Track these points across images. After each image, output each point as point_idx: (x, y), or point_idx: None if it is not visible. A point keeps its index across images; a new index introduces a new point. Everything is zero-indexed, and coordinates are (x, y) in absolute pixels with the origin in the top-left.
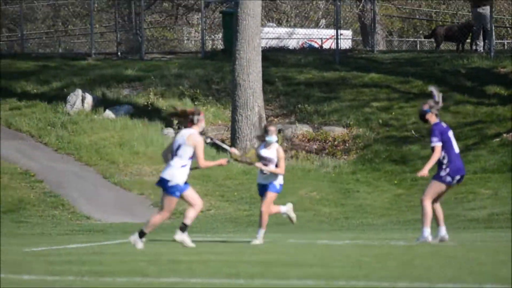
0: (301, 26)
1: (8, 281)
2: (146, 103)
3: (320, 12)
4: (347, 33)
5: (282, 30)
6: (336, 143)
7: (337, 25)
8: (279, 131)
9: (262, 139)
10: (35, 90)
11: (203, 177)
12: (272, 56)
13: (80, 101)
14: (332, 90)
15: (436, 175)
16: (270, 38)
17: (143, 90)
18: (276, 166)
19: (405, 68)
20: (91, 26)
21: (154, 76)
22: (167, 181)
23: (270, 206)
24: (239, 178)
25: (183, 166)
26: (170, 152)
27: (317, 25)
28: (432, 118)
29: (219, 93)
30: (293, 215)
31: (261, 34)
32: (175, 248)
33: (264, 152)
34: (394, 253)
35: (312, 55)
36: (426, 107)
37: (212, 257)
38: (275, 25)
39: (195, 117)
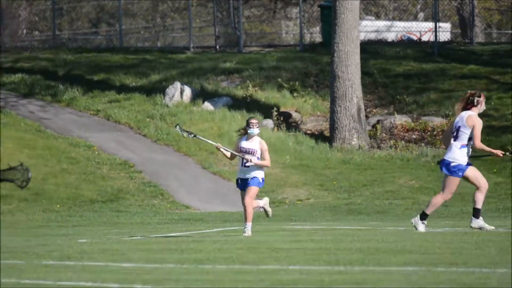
0: (400, 19)
1: (108, 269)
2: (244, 95)
3: (419, 5)
4: (445, 26)
5: (381, 23)
6: (435, 132)
7: (435, 18)
8: (378, 122)
9: (245, 132)
10: (133, 83)
11: (302, 167)
12: (371, 49)
13: (178, 93)
14: (430, 81)
15: None
16: (368, 31)
17: (242, 83)
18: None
19: (504, 59)
20: (189, 21)
21: (252, 69)
22: (449, 162)
23: (253, 199)
24: (338, 168)
25: (462, 147)
26: (450, 136)
27: (415, 18)
28: None
29: (318, 85)
30: (269, 209)
31: (359, 27)
32: (274, 236)
33: (245, 144)
34: (493, 240)
35: (411, 47)
36: None
37: (311, 244)
38: (373, 18)
39: (475, 99)
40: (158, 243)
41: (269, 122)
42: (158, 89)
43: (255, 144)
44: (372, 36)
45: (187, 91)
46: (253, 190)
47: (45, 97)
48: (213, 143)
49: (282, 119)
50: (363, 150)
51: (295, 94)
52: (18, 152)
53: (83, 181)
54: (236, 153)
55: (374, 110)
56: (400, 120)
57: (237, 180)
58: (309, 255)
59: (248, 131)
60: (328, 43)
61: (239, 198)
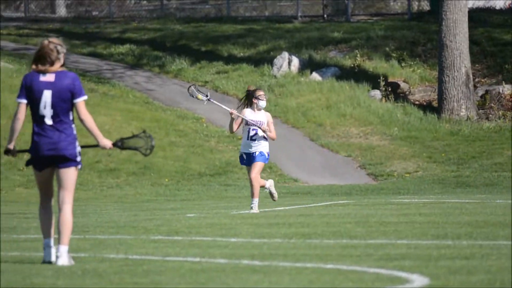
0: None
1: (216, 244)
2: (352, 65)
3: None
4: None
5: None
6: None
7: None
8: (486, 92)
9: (250, 104)
10: (241, 54)
11: (410, 138)
12: (479, 17)
13: (286, 63)
14: None
15: None
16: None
17: (350, 52)
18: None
19: None
20: None
21: (360, 38)
22: None
23: (259, 174)
24: (446, 139)
25: None
26: None
27: None
28: None
29: (426, 54)
30: (274, 192)
31: None
32: (383, 209)
33: (251, 116)
34: None
35: None
36: None
37: (419, 218)
38: None
39: None
40: (266, 217)
41: (377, 93)
42: (266, 59)
43: (261, 116)
44: (480, 4)
45: (295, 61)
46: (259, 165)
47: (153, 68)
48: (227, 109)
49: (390, 89)
50: (472, 121)
51: (403, 64)
52: (126, 124)
53: (191, 154)
54: (251, 122)
55: (482, 80)
56: (509, 89)
57: (241, 155)
58: (417, 229)
59: (259, 104)
60: (436, 12)
61: (347, 171)
